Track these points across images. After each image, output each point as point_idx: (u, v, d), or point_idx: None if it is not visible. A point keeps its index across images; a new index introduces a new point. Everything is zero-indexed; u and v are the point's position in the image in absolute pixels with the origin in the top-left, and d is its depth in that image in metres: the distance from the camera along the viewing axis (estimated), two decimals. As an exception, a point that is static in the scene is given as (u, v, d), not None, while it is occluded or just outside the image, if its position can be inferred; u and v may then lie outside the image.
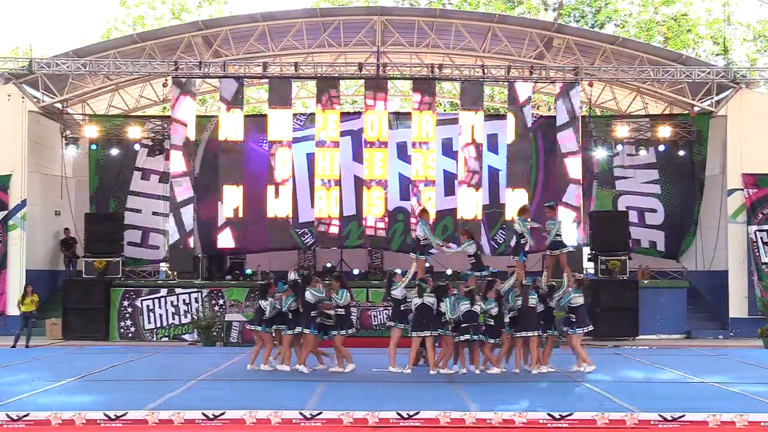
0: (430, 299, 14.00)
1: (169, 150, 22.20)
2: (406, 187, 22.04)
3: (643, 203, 23.66)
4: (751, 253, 21.78)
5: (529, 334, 13.99)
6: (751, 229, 21.84)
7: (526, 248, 14.76)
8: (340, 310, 14.25)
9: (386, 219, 21.53)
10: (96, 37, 38.32)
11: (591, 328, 14.58)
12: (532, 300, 13.99)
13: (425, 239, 14.67)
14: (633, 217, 23.17)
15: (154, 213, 23.75)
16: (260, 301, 14.58)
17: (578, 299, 14.23)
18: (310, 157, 22.38)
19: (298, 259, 23.04)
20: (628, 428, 9.86)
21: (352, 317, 14.75)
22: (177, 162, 21.56)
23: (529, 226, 14.71)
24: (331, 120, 21.71)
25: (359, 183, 22.19)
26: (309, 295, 14.05)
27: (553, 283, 14.45)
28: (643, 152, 23.36)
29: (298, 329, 14.16)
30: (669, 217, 23.54)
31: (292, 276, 14.98)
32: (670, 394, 11.99)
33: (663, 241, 23.57)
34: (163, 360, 16.74)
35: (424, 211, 15.56)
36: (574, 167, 21.49)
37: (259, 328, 14.55)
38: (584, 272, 22.31)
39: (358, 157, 22.36)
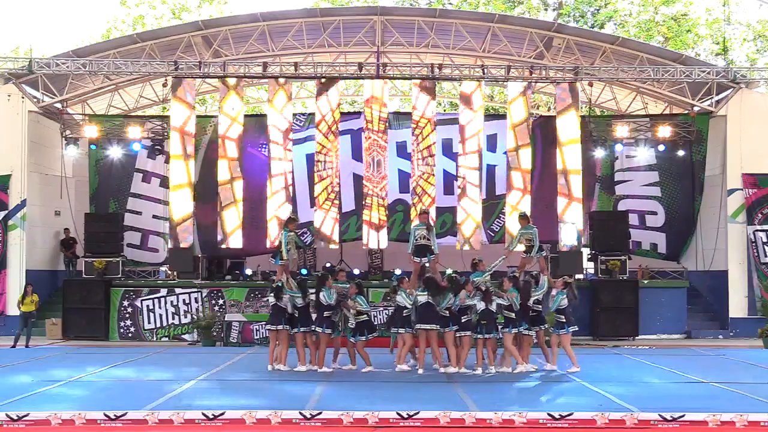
0: (400, 298, 14.26)
1: (169, 152, 22.20)
2: (406, 181, 22.33)
3: (643, 206, 23.57)
4: (750, 253, 21.79)
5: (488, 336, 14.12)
6: (751, 229, 21.85)
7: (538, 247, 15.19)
8: (362, 316, 14.41)
9: (386, 214, 21.68)
10: (96, 37, 38.37)
11: (576, 328, 14.78)
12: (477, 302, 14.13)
13: (419, 240, 14.76)
14: (634, 219, 23.09)
15: (155, 216, 23.66)
16: (277, 302, 14.50)
17: (564, 301, 14.39)
18: (310, 158, 22.47)
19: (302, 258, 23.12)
20: (628, 428, 9.87)
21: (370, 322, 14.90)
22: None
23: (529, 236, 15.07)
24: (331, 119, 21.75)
25: (358, 180, 22.32)
26: (322, 296, 14.19)
27: (530, 278, 14.58)
28: (642, 152, 23.35)
29: (312, 327, 14.28)
30: (670, 218, 23.50)
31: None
32: (670, 394, 11.99)
33: (664, 243, 23.50)
34: (163, 360, 16.72)
35: (422, 213, 15.66)
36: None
37: (320, 330, 14.35)
38: (584, 272, 22.37)
39: (357, 155, 22.50)
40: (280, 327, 14.40)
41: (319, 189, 21.68)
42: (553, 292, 14.41)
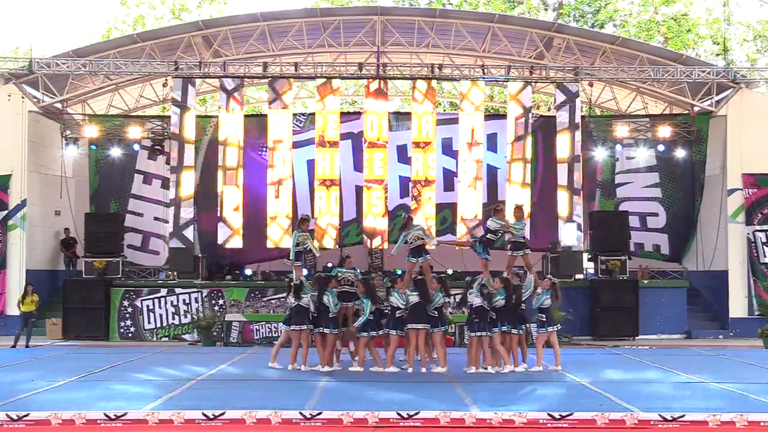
0: (393, 299, 14.35)
1: (169, 153, 22.17)
2: (406, 186, 22.30)
3: (644, 208, 23.53)
4: (750, 254, 21.79)
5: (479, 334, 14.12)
6: (750, 229, 21.85)
7: (492, 247, 14.97)
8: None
9: (387, 216, 21.67)
10: (96, 37, 38.34)
11: (559, 327, 14.98)
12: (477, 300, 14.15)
13: (414, 241, 14.86)
14: (635, 221, 23.07)
15: (156, 218, 23.57)
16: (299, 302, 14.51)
17: (548, 301, 14.50)
18: (311, 164, 22.44)
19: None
20: (628, 428, 9.86)
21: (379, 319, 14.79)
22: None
23: (495, 227, 14.85)
24: (331, 119, 21.69)
25: (359, 191, 22.32)
26: (326, 299, 14.21)
27: (519, 282, 14.57)
28: (642, 153, 23.33)
29: (319, 329, 14.29)
30: (671, 219, 23.49)
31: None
32: (670, 394, 12.00)
33: (666, 244, 23.49)
34: (163, 360, 16.72)
35: (409, 219, 15.84)
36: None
37: (326, 330, 14.29)
38: (584, 272, 22.36)
39: (358, 166, 22.47)
40: (304, 327, 14.37)
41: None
42: (539, 290, 14.56)
